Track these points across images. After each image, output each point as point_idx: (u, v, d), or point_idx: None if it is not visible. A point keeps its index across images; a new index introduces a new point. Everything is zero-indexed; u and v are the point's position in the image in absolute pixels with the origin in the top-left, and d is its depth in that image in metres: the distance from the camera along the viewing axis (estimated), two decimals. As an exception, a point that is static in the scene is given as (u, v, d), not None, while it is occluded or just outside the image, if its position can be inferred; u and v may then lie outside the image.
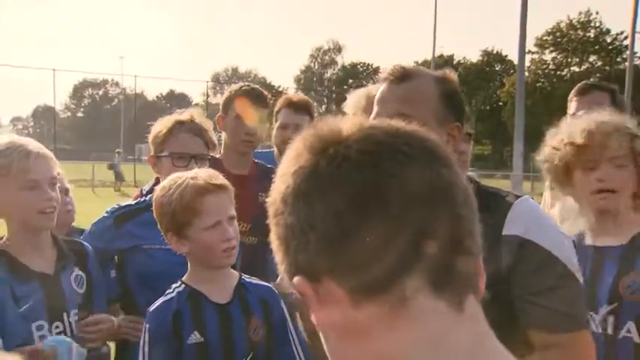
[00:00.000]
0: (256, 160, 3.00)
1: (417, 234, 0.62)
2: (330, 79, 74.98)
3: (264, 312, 1.91)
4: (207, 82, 56.85)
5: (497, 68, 63.82)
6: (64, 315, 1.92)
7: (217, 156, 2.81)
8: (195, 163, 2.30)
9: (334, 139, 0.67)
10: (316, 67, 76.19)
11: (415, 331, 0.63)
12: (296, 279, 0.66)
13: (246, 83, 3.08)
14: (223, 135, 2.95)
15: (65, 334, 1.90)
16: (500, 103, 57.33)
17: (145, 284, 2.27)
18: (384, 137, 0.66)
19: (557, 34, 55.41)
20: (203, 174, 1.86)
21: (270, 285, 2.00)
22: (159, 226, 1.89)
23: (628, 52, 26.17)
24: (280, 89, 64.74)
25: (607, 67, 51.34)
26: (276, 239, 0.69)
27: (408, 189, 0.63)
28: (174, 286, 1.89)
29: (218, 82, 76.19)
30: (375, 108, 1.57)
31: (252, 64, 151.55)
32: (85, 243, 2.12)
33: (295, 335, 1.96)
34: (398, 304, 0.63)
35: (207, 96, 47.76)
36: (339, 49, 75.56)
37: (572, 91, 2.82)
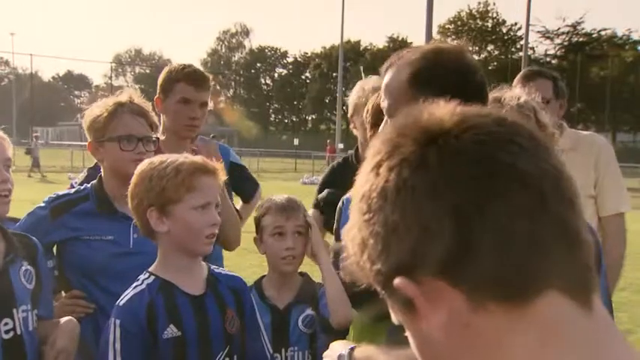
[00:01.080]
0: (194, 147, 2.91)
1: (538, 227, 0.59)
2: (237, 63, 73.90)
3: (237, 303, 1.85)
4: (111, 63, 54.41)
5: (402, 55, 65.27)
6: (14, 311, 1.77)
7: (162, 138, 2.70)
8: (142, 146, 2.20)
9: (439, 129, 0.62)
10: (223, 50, 74.81)
11: (542, 332, 0.59)
12: (398, 280, 0.61)
13: (187, 64, 2.94)
14: (163, 118, 2.83)
15: (15, 332, 1.75)
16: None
17: (84, 276, 2.18)
18: (494, 127, 0.63)
19: (459, 22, 57.74)
20: (195, 157, 1.82)
21: (239, 275, 1.95)
22: (132, 203, 1.78)
23: (522, 43, 27.81)
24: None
25: (503, 56, 54.17)
26: (370, 237, 0.63)
27: (527, 181, 0.60)
28: (141, 277, 1.78)
29: (120, 63, 73.37)
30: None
31: (156, 46, 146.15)
32: (34, 238, 1.97)
33: (263, 328, 1.93)
34: (522, 303, 0.59)
35: (111, 77, 45.70)
36: (246, 33, 74.57)
37: (517, 78, 2.90)
